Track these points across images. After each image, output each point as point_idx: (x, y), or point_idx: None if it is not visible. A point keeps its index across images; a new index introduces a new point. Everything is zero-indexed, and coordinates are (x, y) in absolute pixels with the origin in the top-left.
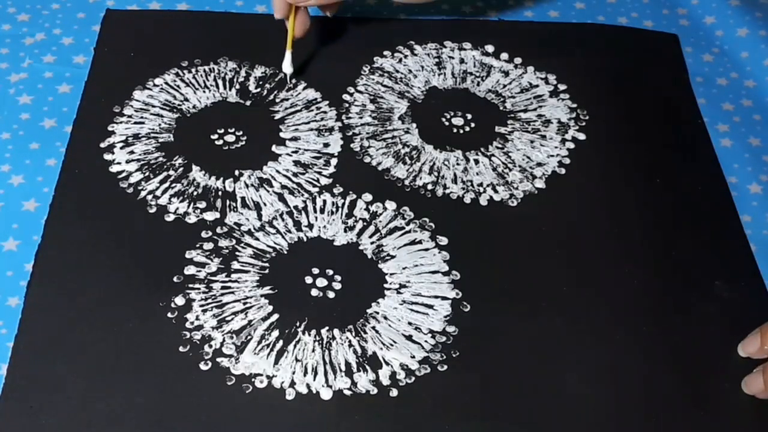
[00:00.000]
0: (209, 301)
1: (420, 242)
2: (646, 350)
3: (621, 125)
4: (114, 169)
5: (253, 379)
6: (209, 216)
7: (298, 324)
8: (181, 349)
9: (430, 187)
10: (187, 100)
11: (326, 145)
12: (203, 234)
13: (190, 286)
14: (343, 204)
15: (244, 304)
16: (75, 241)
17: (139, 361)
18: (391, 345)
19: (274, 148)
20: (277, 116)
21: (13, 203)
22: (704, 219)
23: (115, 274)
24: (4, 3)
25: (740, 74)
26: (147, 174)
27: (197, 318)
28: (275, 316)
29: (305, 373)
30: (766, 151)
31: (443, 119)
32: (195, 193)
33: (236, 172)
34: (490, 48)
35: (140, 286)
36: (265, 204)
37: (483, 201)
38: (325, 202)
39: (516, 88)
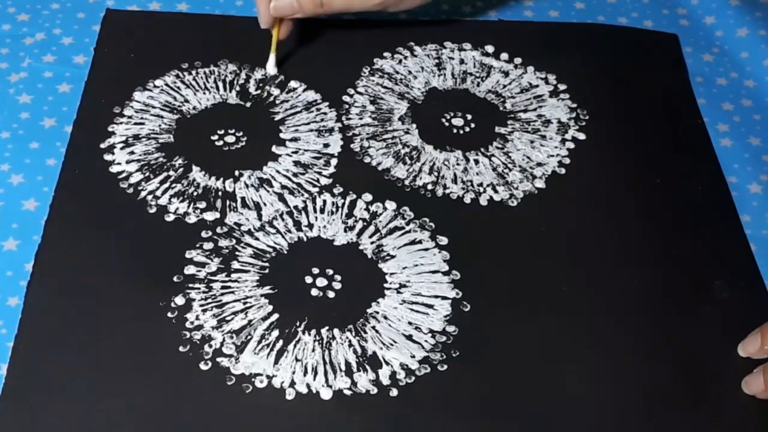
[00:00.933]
0: (209, 300)
1: (420, 242)
2: (646, 350)
3: (621, 125)
4: (114, 169)
5: (253, 379)
6: (209, 216)
7: (298, 324)
8: (181, 349)
9: (430, 187)
10: (187, 101)
11: (326, 145)
12: (203, 234)
13: (190, 286)
14: (343, 204)
15: (244, 303)
16: (75, 241)
17: (139, 361)
18: (391, 345)
19: (274, 148)
20: (277, 117)
21: (13, 203)
22: (704, 219)
23: (115, 274)
24: (4, 3)
25: (740, 74)
26: (147, 174)
27: (197, 318)
28: (275, 316)
29: (305, 373)
30: (766, 151)
31: (443, 120)
32: (195, 193)
33: (236, 173)
34: (490, 48)
35: (140, 286)
36: (265, 204)
37: (483, 201)
38: (325, 202)
39: (516, 89)
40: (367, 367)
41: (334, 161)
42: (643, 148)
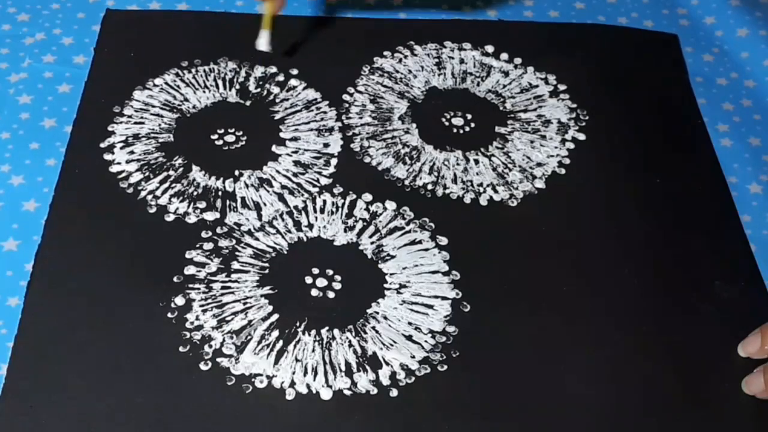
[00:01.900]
0: (209, 301)
1: (420, 242)
2: (646, 350)
3: (621, 125)
4: (114, 169)
5: (253, 379)
6: (209, 216)
7: (298, 324)
8: (181, 349)
9: (430, 187)
10: (187, 100)
11: (326, 145)
12: (203, 234)
13: (190, 286)
14: (343, 204)
15: (244, 304)
16: (75, 241)
17: (139, 361)
18: (391, 345)
19: (274, 148)
20: (277, 116)
21: (13, 203)
22: (704, 219)
23: (115, 274)
24: (4, 3)
25: (740, 74)
26: (147, 174)
27: (197, 318)
28: (275, 316)
29: (305, 373)
30: (766, 151)
31: (443, 119)
32: (195, 193)
33: (236, 172)
34: (490, 48)
35: (140, 286)
36: (265, 204)
37: (483, 201)
38: (325, 202)
39: (516, 89)
40: (367, 367)
41: (334, 161)
42: (643, 148)
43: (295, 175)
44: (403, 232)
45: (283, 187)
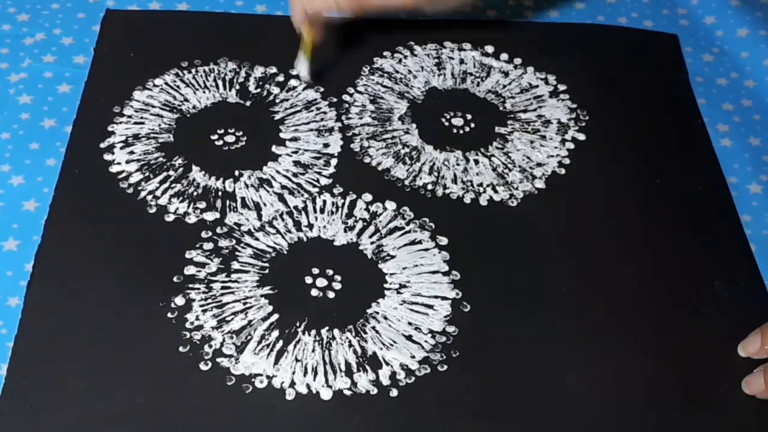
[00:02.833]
0: (209, 301)
1: (420, 242)
2: (646, 350)
3: (621, 125)
4: (114, 169)
5: (253, 379)
6: (209, 216)
7: (298, 324)
8: (181, 349)
9: (430, 187)
10: (187, 100)
11: (326, 145)
12: (203, 234)
13: (190, 286)
14: (343, 204)
15: (244, 304)
16: (75, 241)
17: (139, 361)
18: (391, 345)
19: (274, 148)
20: (277, 116)
21: (13, 203)
22: (704, 219)
23: (115, 274)
24: (4, 3)
25: (740, 74)
26: (147, 174)
27: (197, 318)
28: (275, 316)
29: (305, 373)
30: (766, 151)
31: (443, 119)
32: (195, 193)
33: (236, 173)
34: (489, 48)
35: (140, 286)
36: (265, 204)
37: (483, 201)
38: (325, 202)
39: (516, 89)
40: (367, 367)
41: (334, 161)
42: (643, 148)
43: (295, 175)
44: (403, 232)
45: (283, 187)
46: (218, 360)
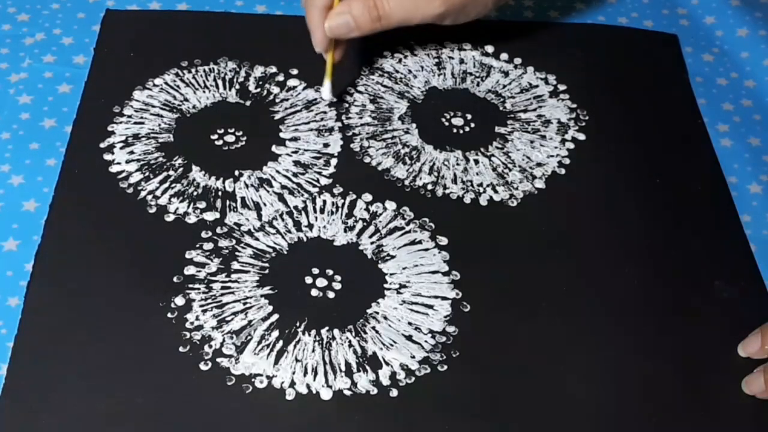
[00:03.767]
0: (209, 301)
1: (420, 242)
2: (646, 350)
3: (621, 125)
4: (114, 169)
5: (253, 379)
6: (209, 216)
7: (298, 324)
8: (181, 349)
9: (430, 187)
10: (186, 100)
11: (326, 145)
12: (203, 234)
13: (190, 286)
14: (343, 204)
15: (244, 304)
16: (75, 241)
17: (139, 361)
18: (391, 345)
19: (274, 148)
20: (277, 116)
21: (13, 203)
22: (704, 219)
23: (115, 274)
24: (4, 3)
25: (740, 74)
26: (147, 174)
27: (197, 318)
28: (275, 317)
29: (305, 373)
30: (766, 151)
31: (443, 119)
32: (195, 193)
33: (236, 173)
34: (489, 48)
35: (140, 286)
36: (265, 204)
37: (483, 201)
38: (325, 202)
39: (516, 89)
40: (367, 367)
41: (334, 161)
42: (643, 148)
43: (295, 175)
44: (403, 232)
45: (283, 187)
46: (218, 360)
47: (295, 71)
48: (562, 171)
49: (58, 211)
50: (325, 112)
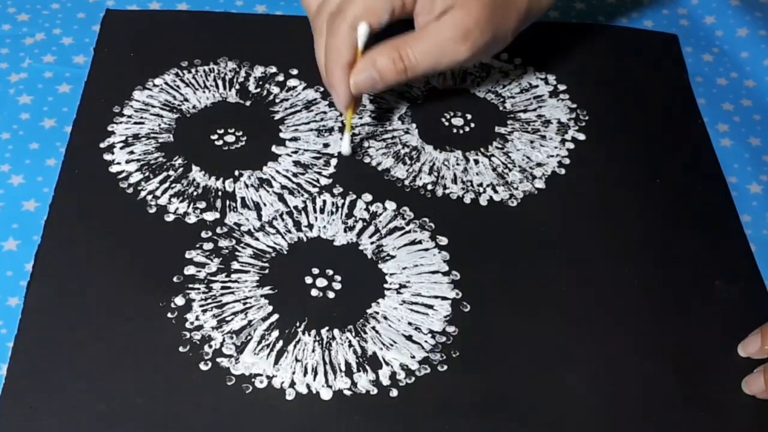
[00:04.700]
0: (209, 301)
1: (420, 242)
2: (646, 350)
3: (621, 125)
4: (114, 169)
5: (253, 379)
6: (209, 216)
7: (298, 324)
8: (181, 349)
9: (430, 187)
10: (186, 100)
11: (326, 145)
12: (203, 234)
13: (190, 286)
14: (343, 204)
15: (244, 304)
16: (75, 241)
17: (139, 361)
18: (391, 345)
19: (273, 148)
20: (277, 116)
21: (13, 203)
22: (704, 219)
23: (115, 274)
24: (4, 3)
25: (740, 74)
26: (147, 174)
27: (197, 318)
28: (275, 316)
29: (305, 373)
30: (766, 151)
31: (443, 119)
32: (195, 193)
33: (236, 173)
34: None
35: (140, 286)
36: (264, 204)
37: (483, 201)
38: (325, 202)
39: (516, 89)
40: (367, 367)
41: (333, 161)
42: (643, 148)
43: (294, 175)
44: (403, 232)
45: (283, 187)
46: (218, 360)
47: (295, 71)
48: (562, 171)
49: (58, 211)
50: (325, 112)
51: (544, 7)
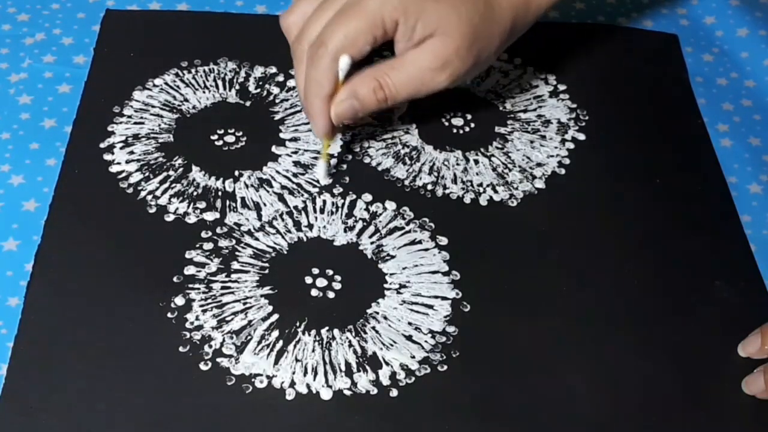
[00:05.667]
0: (209, 301)
1: (420, 242)
2: (646, 350)
3: (621, 125)
4: (114, 169)
5: (253, 379)
6: (209, 216)
7: (298, 324)
8: (181, 349)
9: (429, 187)
10: (186, 100)
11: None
12: (203, 234)
13: (190, 286)
14: (343, 204)
15: (244, 304)
16: (75, 241)
17: (139, 361)
18: (391, 345)
19: (273, 148)
20: (277, 117)
21: (13, 203)
22: (704, 219)
23: (115, 274)
24: (4, 3)
25: (740, 74)
26: (147, 174)
27: (197, 318)
28: (275, 316)
29: (305, 373)
30: (766, 151)
31: (443, 119)
32: (195, 193)
33: (236, 173)
34: None
35: (140, 286)
36: (264, 204)
37: (483, 201)
38: (324, 202)
39: (516, 89)
40: (367, 367)
41: (333, 161)
42: (643, 148)
43: (294, 175)
44: (403, 232)
45: (283, 187)
46: (218, 360)
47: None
48: (562, 171)
49: (58, 211)
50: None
51: (530, 21)
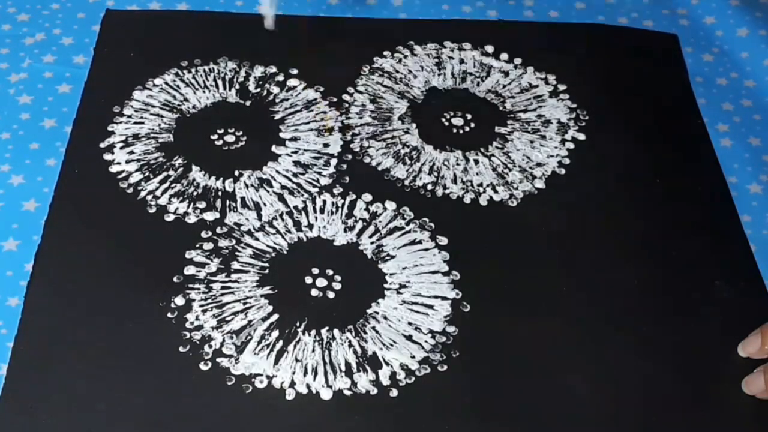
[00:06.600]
0: (209, 301)
1: (420, 242)
2: (646, 350)
3: (621, 125)
4: (114, 169)
5: (253, 379)
6: (209, 216)
7: (298, 324)
8: (181, 349)
9: (430, 187)
10: (186, 100)
11: (326, 145)
12: (203, 234)
13: (190, 286)
14: (343, 204)
15: (244, 304)
16: (75, 241)
17: (139, 361)
18: (391, 345)
19: (273, 148)
20: (277, 116)
21: (13, 203)
22: (704, 219)
23: (115, 274)
24: (4, 3)
25: (740, 74)
26: (147, 174)
27: (197, 318)
28: (275, 316)
29: (305, 373)
30: (766, 151)
31: (443, 119)
32: (195, 193)
33: (236, 173)
34: (490, 48)
35: (140, 286)
36: (264, 204)
37: (483, 201)
38: (324, 202)
39: (516, 89)
40: (367, 367)
41: (333, 161)
42: (643, 148)
43: (294, 175)
44: (403, 232)
45: (283, 187)
46: (218, 360)
47: (295, 71)
48: (562, 171)
49: (58, 211)
50: (324, 112)
51: None
